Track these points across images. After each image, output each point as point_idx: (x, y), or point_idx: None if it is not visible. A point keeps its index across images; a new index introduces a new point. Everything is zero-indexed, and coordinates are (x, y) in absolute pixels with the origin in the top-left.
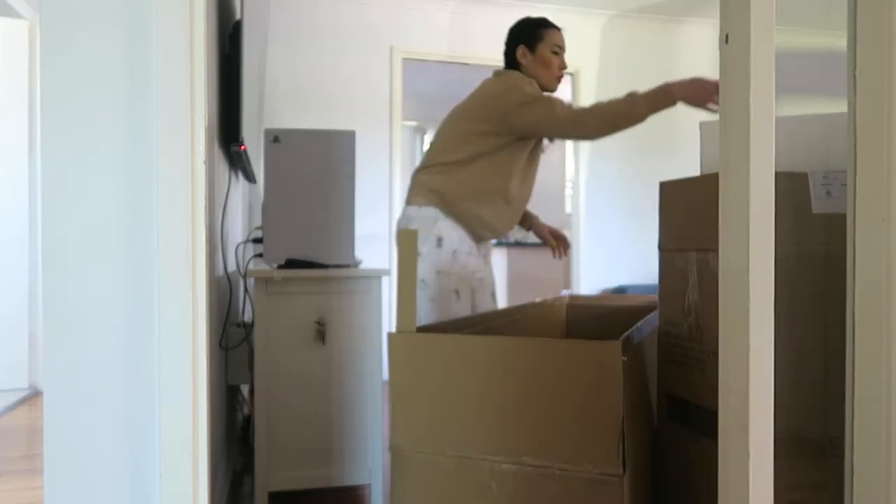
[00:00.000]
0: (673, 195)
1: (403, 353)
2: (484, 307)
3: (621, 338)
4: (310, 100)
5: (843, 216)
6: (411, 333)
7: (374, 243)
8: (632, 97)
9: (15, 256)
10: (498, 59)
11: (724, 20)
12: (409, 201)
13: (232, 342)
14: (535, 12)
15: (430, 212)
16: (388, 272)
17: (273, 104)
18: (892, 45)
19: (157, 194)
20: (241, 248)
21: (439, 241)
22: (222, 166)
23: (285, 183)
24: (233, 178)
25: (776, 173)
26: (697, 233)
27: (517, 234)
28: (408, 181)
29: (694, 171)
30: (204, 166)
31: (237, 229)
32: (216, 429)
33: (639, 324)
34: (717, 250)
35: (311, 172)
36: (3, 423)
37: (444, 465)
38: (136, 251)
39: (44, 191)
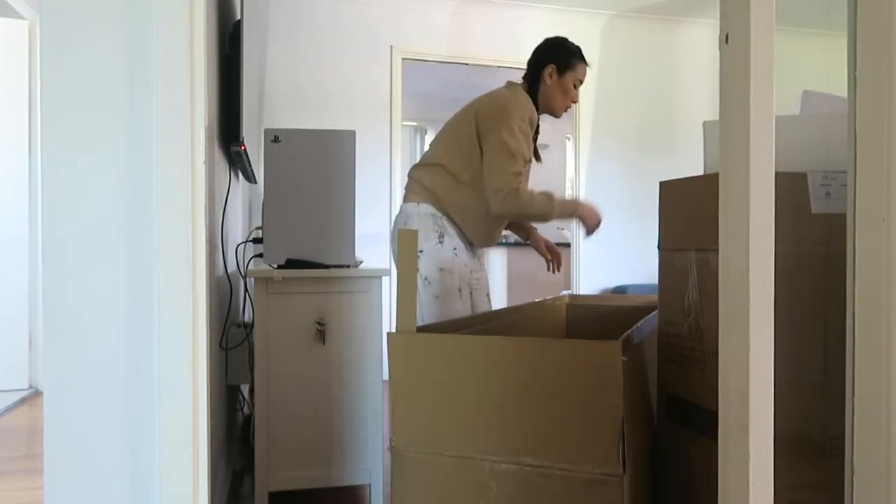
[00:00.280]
0: (673, 195)
1: (403, 353)
2: (480, 307)
3: (621, 338)
4: (310, 100)
5: (843, 216)
6: (411, 333)
7: (374, 243)
8: (549, 201)
9: (15, 256)
10: (497, 59)
11: (724, 20)
12: (407, 198)
13: (232, 342)
14: (535, 12)
15: (430, 209)
16: (388, 272)
17: (273, 104)
18: (892, 45)
19: (157, 194)
20: (241, 248)
21: (441, 237)
22: (222, 166)
23: (285, 183)
24: (233, 178)
25: (776, 173)
26: (697, 233)
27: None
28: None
29: (694, 171)
30: (204, 166)
31: (237, 229)
32: (216, 429)
33: (639, 324)
34: (717, 250)
35: (311, 172)
36: (3, 423)
37: (444, 465)
38: (136, 251)
39: (44, 191)
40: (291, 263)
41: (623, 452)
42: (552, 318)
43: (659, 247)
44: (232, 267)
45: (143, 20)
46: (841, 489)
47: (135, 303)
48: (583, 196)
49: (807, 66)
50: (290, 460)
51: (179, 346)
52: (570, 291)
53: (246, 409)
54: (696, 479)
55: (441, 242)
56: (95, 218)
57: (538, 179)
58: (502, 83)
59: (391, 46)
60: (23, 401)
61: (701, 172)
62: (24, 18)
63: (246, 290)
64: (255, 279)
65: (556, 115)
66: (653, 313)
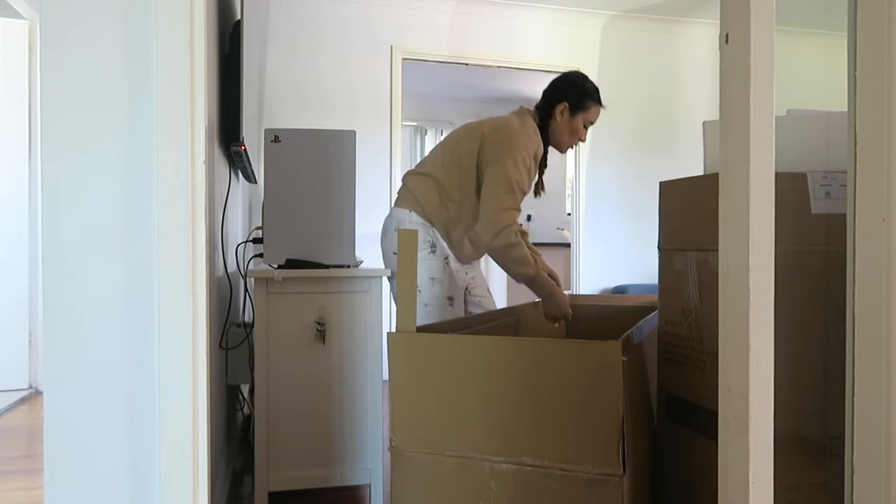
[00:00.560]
0: (673, 195)
1: (403, 353)
2: (485, 301)
3: (621, 338)
4: (310, 100)
5: (843, 216)
6: (411, 333)
7: (374, 243)
8: (535, 270)
9: (15, 256)
10: (497, 59)
11: (724, 20)
12: (399, 204)
13: (232, 342)
14: (535, 12)
15: (420, 219)
16: (388, 272)
17: (273, 104)
18: (892, 45)
19: (157, 194)
20: (241, 248)
21: (433, 246)
22: (222, 166)
23: (285, 183)
24: (233, 178)
25: (776, 173)
26: (697, 233)
27: None
28: None
29: (694, 171)
30: (204, 166)
31: (237, 229)
32: (216, 429)
33: (639, 324)
34: (717, 250)
35: (312, 172)
36: (3, 423)
37: (444, 465)
38: (136, 251)
39: (44, 191)
40: (291, 263)
41: (623, 452)
42: None
43: (659, 247)
44: (232, 267)
45: (144, 20)
46: (841, 489)
47: (135, 303)
48: (583, 196)
49: (807, 66)
50: (290, 460)
51: (179, 346)
52: (570, 291)
53: (246, 409)
54: (696, 479)
55: (433, 251)
56: (95, 218)
57: None
58: (502, 83)
59: (391, 46)
60: (23, 401)
61: (701, 172)
62: (24, 18)
63: (246, 290)
64: (255, 279)
65: (561, 151)
66: (653, 313)
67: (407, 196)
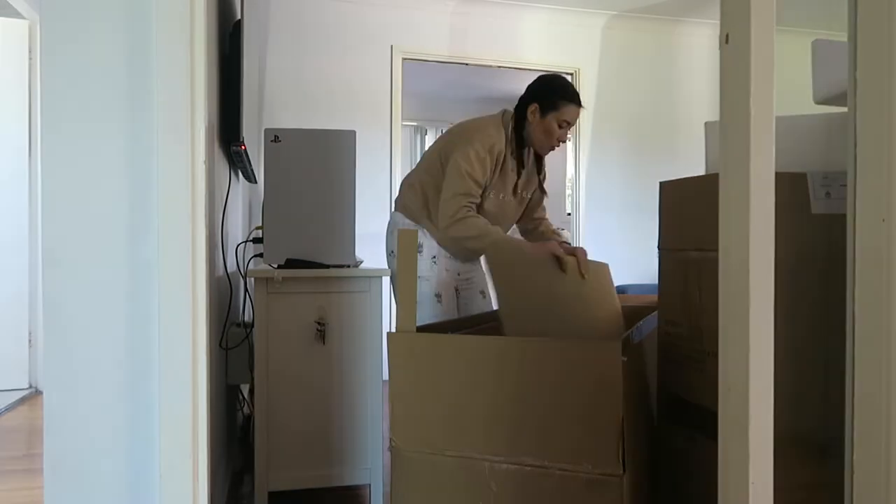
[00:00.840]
0: (673, 195)
1: (403, 353)
2: (472, 305)
3: (621, 338)
4: (309, 99)
5: (843, 216)
6: (411, 333)
7: (374, 243)
8: (490, 240)
9: (15, 256)
10: (497, 59)
11: (724, 20)
12: (396, 207)
13: (232, 342)
14: (535, 12)
15: (409, 221)
16: (388, 272)
17: (273, 104)
18: (892, 45)
19: (157, 194)
20: (241, 248)
21: (420, 247)
22: (222, 166)
23: (285, 183)
24: (233, 178)
25: (776, 173)
26: (697, 233)
27: (517, 234)
28: None
29: (694, 171)
30: (204, 166)
31: (237, 229)
32: (216, 429)
33: (639, 324)
34: (717, 250)
35: (311, 172)
36: (3, 423)
37: (444, 465)
38: (136, 251)
39: (44, 191)
40: (291, 263)
41: (623, 452)
42: None
43: (659, 247)
44: (232, 267)
45: (144, 20)
46: (841, 489)
47: (135, 303)
48: (583, 196)
49: (807, 66)
50: (290, 460)
51: (179, 346)
52: None
53: (246, 409)
54: (696, 479)
55: (420, 252)
56: (95, 218)
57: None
58: (502, 83)
59: (391, 46)
60: (23, 400)
61: (702, 172)
62: (24, 18)
63: (246, 290)
64: (255, 279)
65: (541, 153)
66: (653, 313)
67: (399, 199)
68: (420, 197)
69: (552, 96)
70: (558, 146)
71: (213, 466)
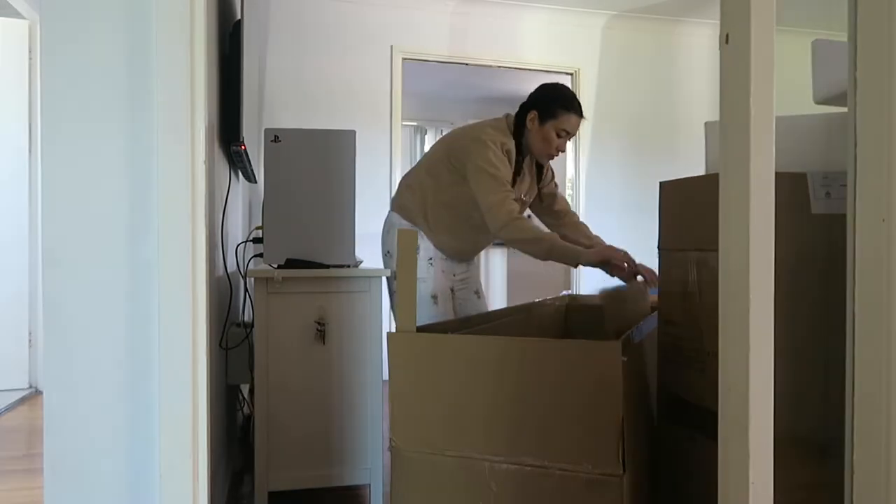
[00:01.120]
0: (673, 195)
1: (403, 353)
2: (467, 305)
3: (621, 338)
4: (309, 100)
5: (843, 216)
6: (411, 333)
7: (374, 243)
8: (547, 246)
9: (15, 256)
10: (497, 59)
11: (724, 20)
12: (393, 207)
13: (232, 342)
14: (535, 12)
15: (406, 222)
16: (388, 272)
17: (273, 104)
18: (892, 45)
19: (157, 194)
20: (241, 248)
21: (416, 248)
22: (222, 166)
23: (285, 183)
24: (233, 178)
25: (776, 173)
26: (697, 233)
27: None
28: None
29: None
30: (204, 166)
31: (237, 229)
32: (216, 429)
33: (639, 324)
34: (717, 250)
35: (311, 172)
36: (3, 423)
37: (444, 465)
38: (136, 251)
39: (44, 191)
40: (291, 263)
41: (623, 452)
42: (552, 318)
43: (659, 247)
44: (232, 267)
45: (144, 20)
46: (841, 489)
47: (135, 303)
48: (583, 196)
49: (807, 66)
50: (290, 460)
51: (179, 346)
52: (570, 291)
53: (246, 409)
54: (696, 479)
55: (416, 253)
56: (95, 218)
57: None
58: (502, 83)
59: (391, 46)
60: (23, 400)
61: (702, 172)
62: (24, 18)
63: (246, 290)
64: (255, 279)
65: (540, 161)
66: (653, 313)
67: (396, 199)
68: (418, 199)
69: (552, 105)
70: (556, 155)
71: (213, 466)
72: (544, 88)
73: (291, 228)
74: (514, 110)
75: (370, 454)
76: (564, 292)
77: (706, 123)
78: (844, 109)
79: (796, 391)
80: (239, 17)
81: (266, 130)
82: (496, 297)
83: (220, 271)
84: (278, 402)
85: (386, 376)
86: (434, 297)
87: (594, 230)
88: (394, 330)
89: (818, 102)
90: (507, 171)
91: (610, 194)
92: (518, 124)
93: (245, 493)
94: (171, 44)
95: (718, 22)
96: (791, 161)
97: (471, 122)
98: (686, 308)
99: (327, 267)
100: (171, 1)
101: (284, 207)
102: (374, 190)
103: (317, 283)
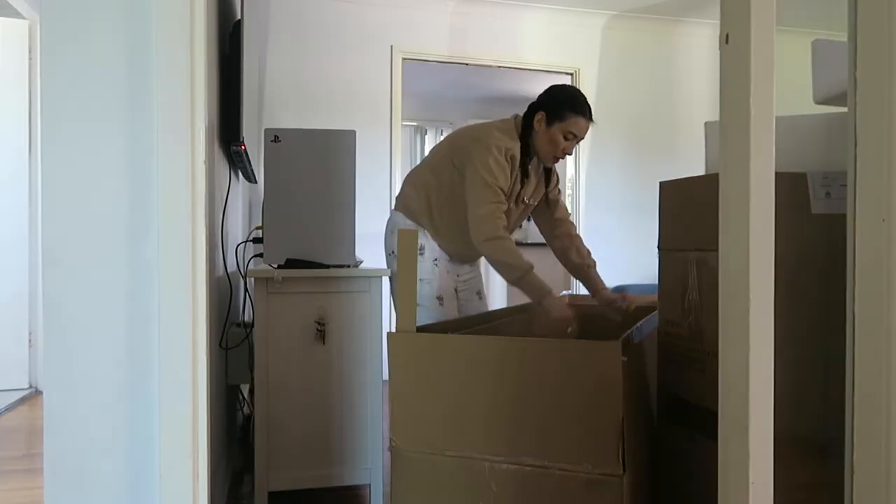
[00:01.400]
0: (673, 195)
1: (403, 353)
2: (469, 306)
3: (621, 338)
4: (310, 100)
5: (843, 216)
6: (411, 333)
7: (374, 243)
8: (523, 272)
9: (15, 256)
10: (497, 59)
11: (724, 20)
12: (397, 207)
13: (232, 342)
14: (535, 12)
15: (411, 223)
16: (388, 272)
17: (273, 104)
18: (892, 45)
19: (157, 194)
20: (241, 248)
21: (422, 249)
22: (222, 166)
23: (285, 183)
24: (233, 178)
25: (776, 173)
26: (697, 233)
27: (517, 234)
28: None
29: (694, 171)
30: (204, 166)
31: (237, 229)
32: (216, 429)
33: (639, 324)
34: (717, 250)
35: (311, 172)
36: (3, 423)
37: (444, 465)
38: (136, 251)
39: (44, 191)
40: (291, 263)
41: (623, 452)
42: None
43: (659, 247)
44: (232, 267)
45: (144, 20)
46: (841, 489)
47: (135, 303)
48: (583, 196)
49: (807, 66)
50: (290, 460)
51: (179, 346)
52: (570, 291)
53: (246, 409)
54: (696, 479)
55: (422, 254)
56: (95, 218)
57: None
58: (502, 83)
59: (391, 46)
60: (23, 400)
61: (702, 172)
62: (24, 18)
63: (246, 290)
64: (255, 279)
65: (546, 164)
66: (653, 313)
67: (400, 199)
68: (423, 198)
69: (560, 106)
70: (562, 157)
71: (213, 466)
72: (554, 89)
73: (291, 228)
74: (513, 110)
75: (370, 454)
76: (564, 292)
77: (706, 123)
78: (844, 109)
79: (796, 391)
80: (239, 17)
81: (266, 130)
82: (496, 298)
83: (220, 271)
84: (278, 402)
85: (386, 376)
86: (440, 298)
87: (594, 230)
88: (394, 329)
89: (818, 102)
90: (504, 180)
91: (610, 194)
92: (525, 125)
93: (245, 493)
94: (171, 44)
95: (718, 22)
96: (791, 161)
97: (471, 121)
98: (686, 308)
99: (327, 267)
100: (171, 1)
101: (284, 207)
102: (374, 190)
103: (317, 283)
